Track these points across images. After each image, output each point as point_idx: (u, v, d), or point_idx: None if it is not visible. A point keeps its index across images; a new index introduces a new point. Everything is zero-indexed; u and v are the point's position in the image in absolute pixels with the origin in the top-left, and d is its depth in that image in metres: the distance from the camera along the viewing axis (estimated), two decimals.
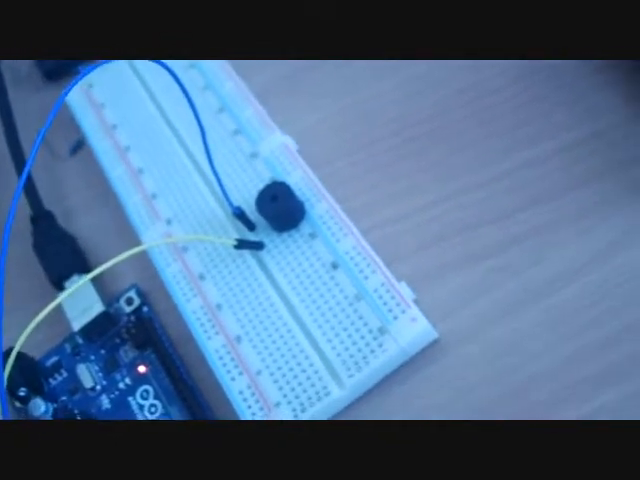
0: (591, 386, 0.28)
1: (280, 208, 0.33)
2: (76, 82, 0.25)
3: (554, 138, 0.33)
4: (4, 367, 0.26)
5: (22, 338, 0.28)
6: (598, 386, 0.28)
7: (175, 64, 0.37)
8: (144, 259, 0.36)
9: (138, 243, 0.36)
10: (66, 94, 0.26)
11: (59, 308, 0.35)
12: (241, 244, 0.33)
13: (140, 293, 0.36)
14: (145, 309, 0.35)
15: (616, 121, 0.32)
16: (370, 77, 0.37)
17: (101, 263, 0.29)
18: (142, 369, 0.34)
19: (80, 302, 0.35)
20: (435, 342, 0.31)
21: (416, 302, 0.31)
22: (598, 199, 0.31)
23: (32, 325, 0.28)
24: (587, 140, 0.32)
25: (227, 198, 0.32)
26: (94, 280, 0.36)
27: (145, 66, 0.40)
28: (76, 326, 0.35)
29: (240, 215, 0.33)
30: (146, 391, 0.33)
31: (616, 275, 0.30)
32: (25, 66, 0.45)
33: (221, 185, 0.32)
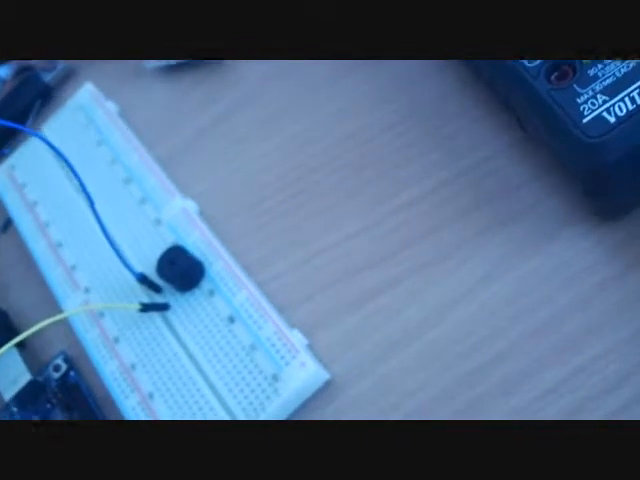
0: (465, 416, 0.30)
1: (177, 271, 0.35)
2: None
3: (428, 178, 0.35)
4: None
5: None
6: (472, 415, 0.30)
7: (85, 141, 0.40)
8: (69, 326, 0.38)
9: (62, 312, 0.39)
10: None
11: None
12: (146, 307, 0.35)
13: (67, 359, 0.38)
14: (72, 374, 0.38)
15: (483, 156, 0.35)
16: (256, 138, 0.39)
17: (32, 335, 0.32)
18: None
19: (9, 373, 0.38)
20: (329, 383, 0.33)
21: (310, 347, 0.34)
22: (470, 234, 0.33)
23: None
24: (458, 177, 0.35)
25: (128, 266, 0.35)
26: (24, 350, 0.39)
27: (60, 145, 0.42)
28: (7, 396, 0.38)
29: (144, 280, 0.36)
30: None
31: (487, 307, 0.32)
32: None
33: (119, 255, 0.34)
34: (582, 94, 0.29)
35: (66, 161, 0.32)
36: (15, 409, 0.38)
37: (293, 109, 0.39)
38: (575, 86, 0.29)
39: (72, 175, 0.40)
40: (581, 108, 0.29)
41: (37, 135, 0.30)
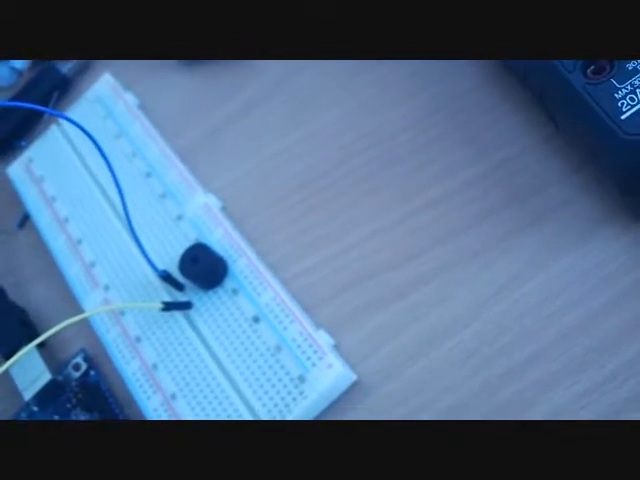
0: (496, 417, 0.29)
1: (201, 269, 0.34)
2: None
3: (455, 176, 0.34)
4: None
5: None
6: (504, 417, 0.29)
7: (103, 133, 0.39)
8: (89, 324, 0.38)
9: (81, 310, 0.38)
10: None
11: (11, 380, 0.37)
12: (168, 306, 0.34)
13: (87, 358, 0.37)
14: (92, 373, 0.37)
15: (513, 153, 0.34)
16: (279, 131, 0.38)
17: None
18: None
19: (29, 373, 0.37)
20: (356, 384, 0.32)
21: (336, 347, 0.33)
22: (499, 233, 0.32)
23: None
24: (487, 174, 0.34)
25: (151, 263, 0.34)
26: (44, 349, 0.38)
27: (79, 137, 0.42)
28: (27, 396, 0.37)
29: (166, 278, 0.35)
30: None
31: (518, 307, 0.31)
32: None
33: (143, 251, 0.34)
34: (620, 89, 0.28)
35: (98, 147, 0.31)
36: (35, 409, 0.37)
37: (315, 103, 0.38)
38: (613, 81, 0.28)
39: (91, 167, 0.40)
40: (619, 104, 0.28)
41: (70, 120, 0.29)
